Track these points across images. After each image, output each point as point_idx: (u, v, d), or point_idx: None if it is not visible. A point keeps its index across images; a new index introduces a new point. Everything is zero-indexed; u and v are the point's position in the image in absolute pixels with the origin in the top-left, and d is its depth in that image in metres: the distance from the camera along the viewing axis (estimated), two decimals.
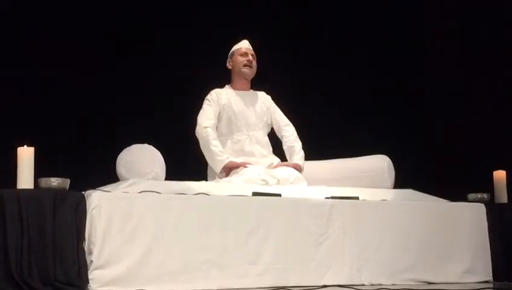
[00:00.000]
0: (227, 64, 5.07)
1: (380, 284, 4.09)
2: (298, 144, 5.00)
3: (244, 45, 5.06)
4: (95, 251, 3.60)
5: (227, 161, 4.70)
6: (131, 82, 5.75)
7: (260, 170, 4.63)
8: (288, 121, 5.11)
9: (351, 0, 6.48)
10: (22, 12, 5.50)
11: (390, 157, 4.96)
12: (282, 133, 5.07)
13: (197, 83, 5.45)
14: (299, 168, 4.81)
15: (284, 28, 6.20)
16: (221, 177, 4.70)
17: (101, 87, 5.63)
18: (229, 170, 4.69)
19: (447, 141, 6.34)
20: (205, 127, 4.80)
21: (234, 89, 5.03)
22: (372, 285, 4.10)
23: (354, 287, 3.95)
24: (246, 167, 4.64)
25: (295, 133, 5.07)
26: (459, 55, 6.45)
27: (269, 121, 5.08)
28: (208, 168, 4.87)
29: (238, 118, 4.91)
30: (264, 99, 5.11)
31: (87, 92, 5.57)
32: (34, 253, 3.51)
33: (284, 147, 5.05)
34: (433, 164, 6.26)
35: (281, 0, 6.32)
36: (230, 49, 5.09)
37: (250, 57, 4.98)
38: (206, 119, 4.84)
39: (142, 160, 4.27)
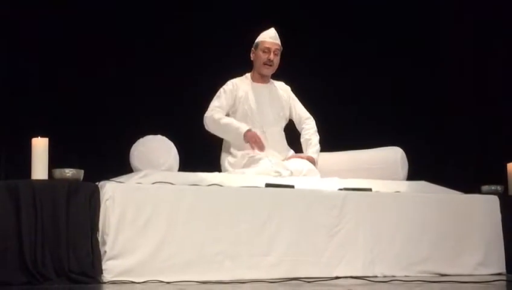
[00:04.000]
0: (251, 54, 4.93)
1: (393, 276, 4.08)
2: (316, 138, 4.95)
3: (270, 37, 4.87)
4: (109, 242, 3.63)
5: (246, 128, 4.69)
6: (146, 73, 5.74)
7: (273, 161, 4.63)
8: (309, 115, 5.04)
9: None
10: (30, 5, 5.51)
11: (403, 149, 4.94)
12: (303, 126, 5.01)
13: (211, 74, 5.44)
14: (312, 161, 4.79)
15: (301, 20, 6.16)
16: (245, 143, 4.68)
17: (116, 79, 5.63)
18: (250, 138, 4.67)
19: (460, 133, 6.31)
20: (212, 110, 4.78)
21: (253, 80, 4.94)
22: (385, 277, 4.10)
23: (367, 279, 3.94)
24: (262, 150, 4.65)
25: (315, 127, 5.00)
26: (473, 45, 6.41)
27: (287, 114, 5.02)
28: (221, 159, 4.86)
29: (254, 114, 4.84)
30: (282, 90, 5.02)
31: (101, 83, 5.58)
32: (48, 243, 3.53)
33: (302, 140, 4.99)
34: (446, 155, 6.24)
35: None
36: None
37: (272, 55, 4.83)
38: (215, 106, 4.80)
39: (155, 151, 4.27)
